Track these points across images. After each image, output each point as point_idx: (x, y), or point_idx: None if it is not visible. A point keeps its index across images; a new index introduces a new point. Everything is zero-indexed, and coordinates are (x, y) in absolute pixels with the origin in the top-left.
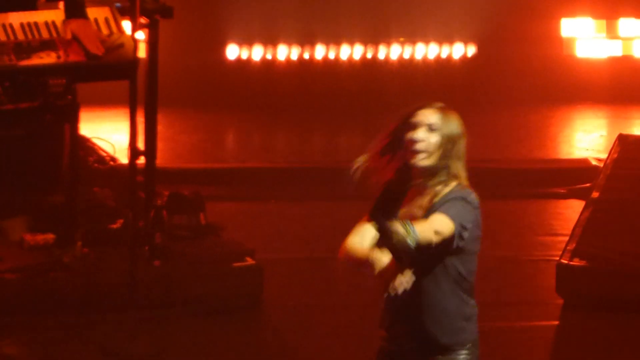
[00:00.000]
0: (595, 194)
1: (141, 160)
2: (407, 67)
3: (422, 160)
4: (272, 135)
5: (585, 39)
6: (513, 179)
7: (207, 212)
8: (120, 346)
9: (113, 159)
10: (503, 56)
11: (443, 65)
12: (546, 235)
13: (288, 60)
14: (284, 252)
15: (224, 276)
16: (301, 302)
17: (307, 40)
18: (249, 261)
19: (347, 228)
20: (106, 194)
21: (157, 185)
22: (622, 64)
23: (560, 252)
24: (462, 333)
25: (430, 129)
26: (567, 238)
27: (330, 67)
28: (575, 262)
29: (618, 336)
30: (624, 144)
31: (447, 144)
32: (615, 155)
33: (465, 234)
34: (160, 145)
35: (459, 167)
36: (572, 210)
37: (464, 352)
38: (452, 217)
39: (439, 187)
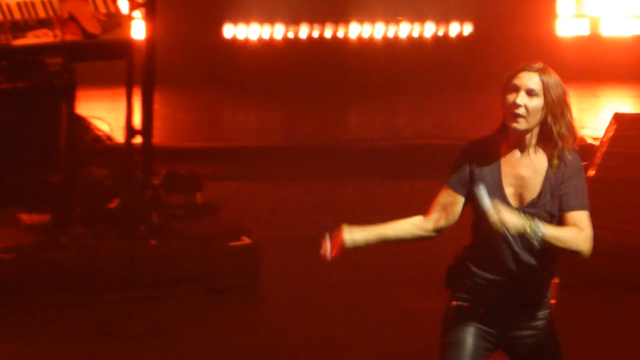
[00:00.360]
0: (591, 172)
1: (138, 139)
2: (405, 46)
3: (521, 125)
4: (270, 114)
5: (565, 17)
6: None
7: (204, 191)
8: (117, 325)
9: (110, 138)
10: (500, 35)
11: (440, 44)
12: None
13: (286, 39)
14: (281, 231)
15: (220, 255)
16: (298, 280)
17: (305, 18)
18: (246, 240)
19: (343, 207)
20: (103, 174)
21: (154, 164)
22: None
23: None
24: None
25: (530, 94)
26: None
27: (327, 46)
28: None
29: (612, 314)
30: (620, 123)
31: (549, 107)
32: (612, 134)
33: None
34: (157, 124)
35: (564, 127)
36: None
37: (547, 312)
38: (585, 206)
39: (544, 150)
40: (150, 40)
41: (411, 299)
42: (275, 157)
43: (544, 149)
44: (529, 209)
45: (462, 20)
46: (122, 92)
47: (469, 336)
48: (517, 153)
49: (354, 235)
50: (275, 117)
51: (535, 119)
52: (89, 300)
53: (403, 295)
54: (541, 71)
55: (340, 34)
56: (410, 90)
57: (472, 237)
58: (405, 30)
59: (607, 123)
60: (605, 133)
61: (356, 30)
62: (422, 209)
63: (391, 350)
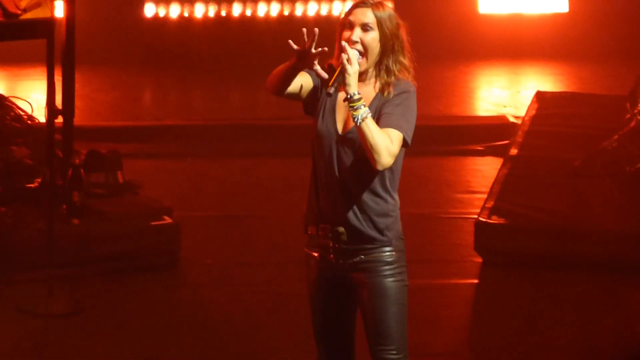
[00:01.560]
0: (513, 151)
1: (59, 118)
2: (328, 23)
3: (360, 64)
4: (189, 92)
5: None
6: (430, 136)
7: (125, 170)
8: (37, 305)
9: (31, 117)
10: (418, 11)
11: None
12: (464, 192)
13: (205, 18)
14: (202, 210)
15: (141, 234)
16: (219, 259)
17: None
18: (167, 219)
19: (264, 186)
20: (24, 153)
21: (75, 143)
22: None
23: (478, 210)
24: (384, 229)
25: (365, 29)
26: (485, 196)
27: (247, 24)
28: (494, 220)
29: (536, 293)
30: (542, 101)
31: (382, 41)
32: (533, 112)
33: (409, 138)
34: (77, 103)
35: (396, 62)
36: (490, 167)
37: (388, 248)
38: (402, 128)
39: (378, 82)
40: (70, 19)
41: None
42: (195, 135)
43: (378, 81)
44: (351, 133)
45: None
46: (42, 71)
47: (317, 288)
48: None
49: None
50: (195, 95)
51: (373, 53)
52: (9, 279)
53: None
54: (375, 6)
55: (261, 12)
56: None
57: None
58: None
59: (528, 101)
60: (527, 111)
61: (276, 9)
62: None
63: (308, 330)
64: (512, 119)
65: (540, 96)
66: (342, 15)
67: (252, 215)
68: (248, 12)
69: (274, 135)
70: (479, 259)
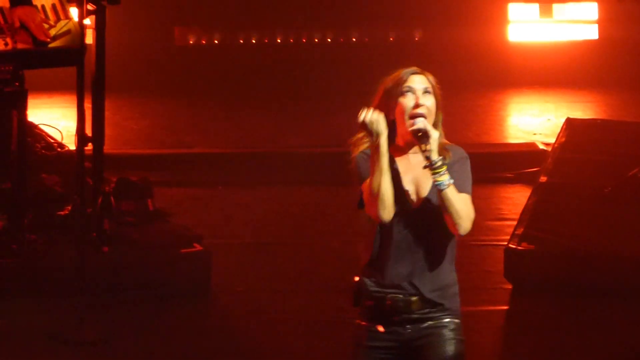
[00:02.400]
0: (543, 178)
1: (89, 146)
2: (357, 51)
3: (426, 124)
4: (219, 120)
5: (520, 22)
6: None
7: (155, 198)
8: (68, 332)
9: (61, 145)
10: (450, 40)
11: (391, 49)
12: (494, 220)
13: (237, 44)
14: (232, 237)
15: (171, 262)
16: (249, 287)
17: (259, 24)
18: (197, 247)
19: (294, 213)
20: (54, 181)
21: (105, 171)
22: (563, 48)
23: (508, 237)
24: (452, 297)
25: (426, 93)
26: (515, 223)
27: (282, 50)
28: (523, 247)
29: (567, 320)
30: (572, 128)
31: (437, 106)
32: (563, 139)
33: None
34: (108, 131)
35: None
36: (520, 194)
37: (454, 316)
38: (470, 193)
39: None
40: (101, 47)
41: None
42: (226, 163)
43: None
44: (426, 204)
45: (412, 25)
46: (72, 99)
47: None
48: (407, 154)
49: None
50: (226, 123)
51: (432, 118)
52: (40, 307)
53: None
54: (424, 73)
55: (291, 39)
56: (357, 94)
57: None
58: (353, 34)
59: (558, 129)
60: (557, 139)
61: (307, 35)
62: None
63: (342, 356)
64: (542, 146)
65: (570, 123)
66: (390, 83)
67: (283, 243)
68: (279, 39)
69: (304, 163)
70: (509, 286)
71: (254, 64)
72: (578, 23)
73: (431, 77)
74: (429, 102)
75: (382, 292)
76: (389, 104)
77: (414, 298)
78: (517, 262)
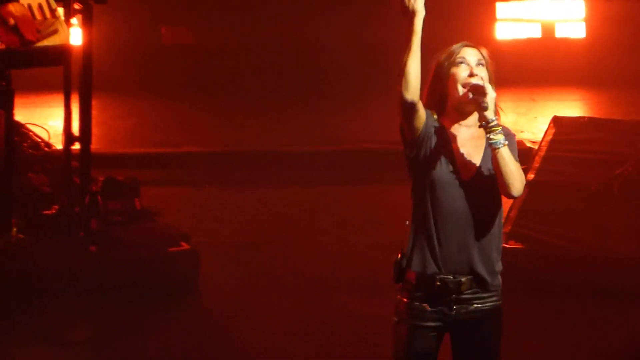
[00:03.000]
0: (530, 176)
1: (76, 145)
2: (347, 51)
3: (487, 96)
4: (207, 119)
5: (507, 20)
6: None
7: (142, 197)
8: (55, 331)
9: (48, 144)
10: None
11: (379, 48)
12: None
13: (224, 42)
14: (220, 236)
15: (159, 261)
16: (237, 286)
17: (248, 22)
18: (184, 246)
19: (282, 212)
20: (41, 180)
21: (92, 170)
22: (550, 46)
23: None
24: (498, 274)
25: (480, 64)
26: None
27: (268, 49)
28: (511, 245)
29: (554, 318)
30: (559, 126)
31: (491, 79)
32: (550, 138)
33: None
34: (95, 130)
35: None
36: None
37: (498, 297)
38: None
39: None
40: (88, 46)
41: (352, 304)
42: (213, 162)
43: (480, 119)
44: (477, 180)
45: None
46: (59, 98)
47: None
48: (459, 126)
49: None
50: (213, 122)
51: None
52: (28, 306)
53: (343, 301)
54: (478, 46)
55: (278, 36)
56: (348, 93)
57: (413, 221)
58: (342, 34)
59: (545, 127)
60: (544, 136)
61: (297, 34)
62: (362, 213)
63: (331, 356)
64: (529, 144)
65: (557, 121)
66: (442, 56)
67: (271, 242)
68: (266, 37)
69: (293, 162)
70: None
71: (243, 63)
72: (565, 22)
73: (485, 51)
74: (482, 74)
75: (431, 273)
76: (441, 77)
77: (464, 279)
78: (504, 260)
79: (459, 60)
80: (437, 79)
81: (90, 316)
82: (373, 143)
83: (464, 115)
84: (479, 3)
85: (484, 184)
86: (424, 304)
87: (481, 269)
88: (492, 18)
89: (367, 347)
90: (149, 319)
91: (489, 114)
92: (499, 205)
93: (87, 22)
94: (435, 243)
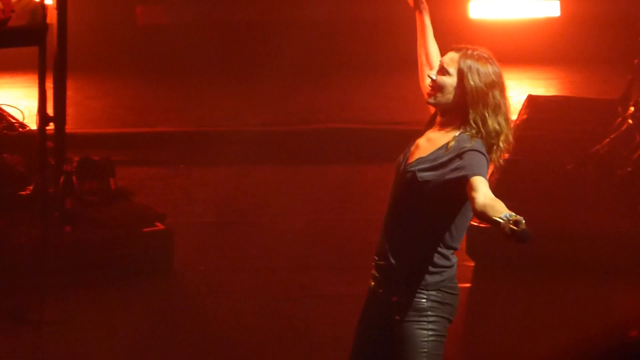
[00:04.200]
0: (505, 156)
1: (51, 126)
2: (319, 30)
3: (429, 99)
4: (182, 99)
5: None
6: None
7: (117, 177)
8: (30, 312)
9: (22, 125)
10: (406, 17)
11: (351, 28)
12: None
13: (198, 22)
14: (194, 216)
15: (134, 241)
16: (212, 266)
17: (221, 2)
18: (159, 226)
19: (256, 192)
20: (16, 160)
21: (67, 150)
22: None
23: None
24: (423, 275)
25: (442, 72)
26: None
27: (241, 28)
28: (486, 224)
29: (529, 296)
30: (534, 105)
31: (468, 93)
32: (525, 116)
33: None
34: (69, 110)
35: (480, 119)
36: None
37: (423, 295)
38: (485, 178)
39: (455, 132)
40: (62, 26)
41: (325, 283)
42: (188, 141)
43: (449, 128)
44: (409, 171)
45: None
46: (35, 79)
47: (362, 315)
48: (436, 127)
49: None
50: (187, 102)
51: (444, 97)
52: (2, 286)
53: (317, 280)
54: (466, 55)
55: (252, 15)
56: (317, 72)
57: None
58: (314, 13)
59: (520, 106)
60: (518, 115)
61: (268, 11)
62: (335, 192)
63: (305, 334)
64: None
65: (531, 100)
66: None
67: (245, 222)
68: (239, 16)
69: (266, 142)
70: (472, 263)
71: (216, 42)
72: (539, 0)
73: (471, 63)
74: (440, 79)
75: (375, 252)
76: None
77: (382, 263)
78: (479, 239)
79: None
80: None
81: (65, 296)
82: (343, 122)
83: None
84: None
85: (413, 180)
86: (372, 282)
87: (397, 263)
88: None
89: (340, 326)
90: (124, 299)
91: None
92: (427, 217)
93: (62, 2)
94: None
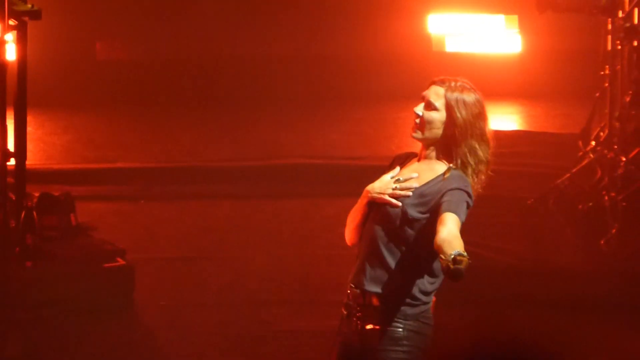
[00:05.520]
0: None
1: (11, 161)
2: (283, 63)
3: (416, 134)
4: (142, 134)
5: (442, 34)
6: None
7: (78, 213)
8: None
9: None
10: (372, 50)
11: (317, 62)
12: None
13: (161, 59)
14: (155, 252)
15: (95, 276)
16: (173, 301)
17: (180, 38)
18: (120, 261)
19: (217, 227)
20: None
21: (28, 186)
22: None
23: None
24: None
25: (429, 107)
26: None
27: (200, 63)
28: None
29: (491, 332)
30: (495, 140)
31: (457, 126)
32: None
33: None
34: (30, 146)
35: (469, 152)
36: None
37: (399, 325)
38: (460, 218)
39: (441, 166)
40: (22, 62)
41: (285, 318)
42: (148, 177)
43: (433, 161)
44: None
45: (333, 38)
46: None
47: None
48: (418, 159)
49: None
50: (148, 137)
51: (432, 132)
52: None
53: (277, 315)
54: (451, 88)
55: (210, 50)
56: (277, 107)
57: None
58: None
59: None
60: None
61: (227, 47)
62: (295, 228)
63: None
64: None
65: (496, 135)
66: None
67: (205, 257)
68: (199, 51)
69: (226, 178)
70: (434, 299)
71: (176, 78)
72: (499, 35)
73: (456, 95)
74: (427, 115)
75: (349, 282)
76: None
77: (359, 291)
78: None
79: (421, 96)
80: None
81: (25, 332)
82: (303, 158)
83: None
84: (411, 17)
85: (402, 215)
86: (344, 311)
87: (371, 289)
88: (424, 31)
89: None
90: (85, 335)
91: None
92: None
93: (22, 38)
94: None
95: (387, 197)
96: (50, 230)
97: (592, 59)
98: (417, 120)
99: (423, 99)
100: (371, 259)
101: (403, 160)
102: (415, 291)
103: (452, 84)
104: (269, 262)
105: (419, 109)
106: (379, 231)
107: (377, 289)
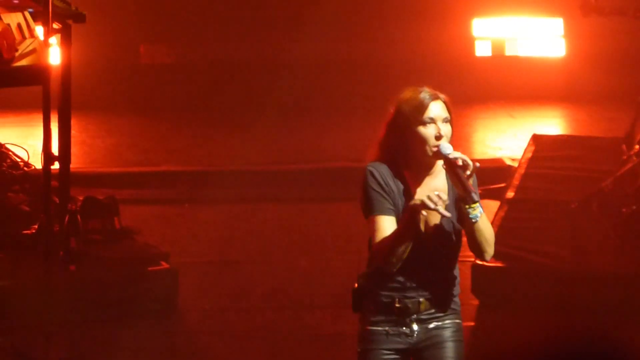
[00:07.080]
0: (509, 194)
1: (55, 165)
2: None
3: (448, 150)
4: (186, 138)
5: (486, 38)
6: None
7: (122, 216)
8: (35, 351)
9: (27, 164)
10: (414, 54)
11: (366, 66)
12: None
13: (206, 61)
14: (199, 255)
15: (138, 280)
16: (216, 305)
17: (224, 39)
18: (164, 265)
19: (260, 231)
20: (20, 199)
21: (72, 189)
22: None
23: None
24: (456, 298)
25: (446, 122)
26: None
27: (245, 67)
28: (491, 263)
29: (533, 336)
30: (538, 144)
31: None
32: (530, 155)
33: None
34: (74, 149)
35: None
36: (487, 210)
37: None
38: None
39: (442, 172)
40: (66, 65)
41: (329, 322)
42: (192, 180)
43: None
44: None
45: (375, 41)
46: (38, 118)
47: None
48: (424, 175)
49: None
50: (192, 140)
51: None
52: (7, 326)
53: (321, 319)
54: (439, 97)
55: (253, 54)
56: (318, 112)
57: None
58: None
59: (525, 144)
60: (523, 154)
61: (268, 51)
62: (340, 231)
63: None
64: (508, 162)
65: (536, 139)
66: (407, 108)
67: (249, 261)
68: (241, 55)
69: (270, 181)
70: (476, 302)
71: (221, 81)
72: (544, 39)
73: (443, 97)
74: (447, 131)
75: (391, 296)
76: (406, 129)
77: (422, 299)
78: (484, 278)
79: (427, 120)
80: (400, 132)
81: (70, 335)
82: (349, 161)
83: (428, 167)
84: (457, 20)
85: (449, 231)
86: (385, 328)
87: (442, 295)
88: (469, 35)
89: None
90: (128, 338)
91: (475, 196)
92: (458, 244)
93: (66, 42)
94: (399, 276)
95: (441, 210)
96: (94, 233)
97: (636, 63)
98: (444, 141)
99: (432, 120)
100: (426, 266)
101: (386, 177)
102: (458, 287)
103: (436, 94)
104: (313, 266)
105: (444, 130)
106: (436, 244)
107: (438, 290)
